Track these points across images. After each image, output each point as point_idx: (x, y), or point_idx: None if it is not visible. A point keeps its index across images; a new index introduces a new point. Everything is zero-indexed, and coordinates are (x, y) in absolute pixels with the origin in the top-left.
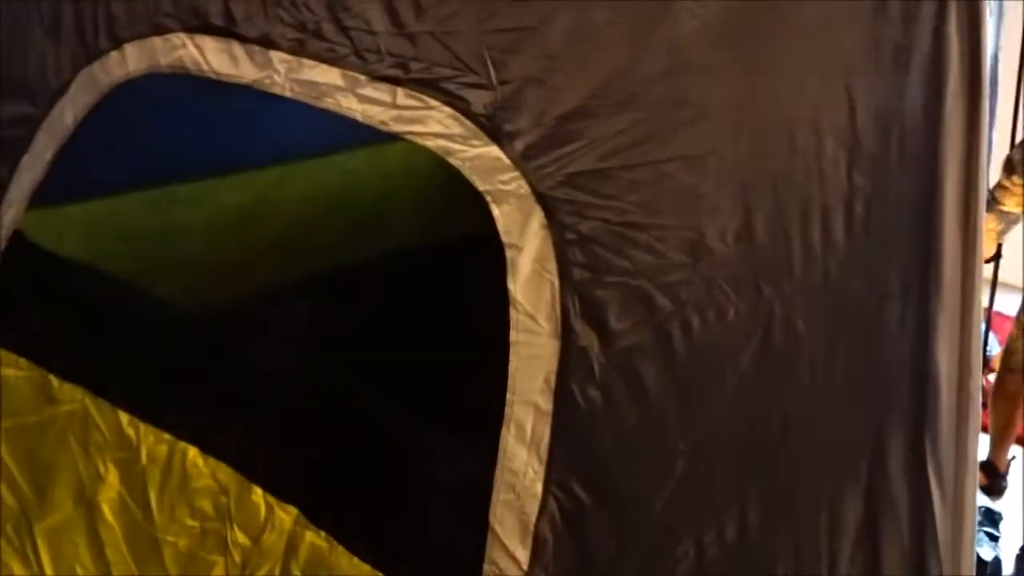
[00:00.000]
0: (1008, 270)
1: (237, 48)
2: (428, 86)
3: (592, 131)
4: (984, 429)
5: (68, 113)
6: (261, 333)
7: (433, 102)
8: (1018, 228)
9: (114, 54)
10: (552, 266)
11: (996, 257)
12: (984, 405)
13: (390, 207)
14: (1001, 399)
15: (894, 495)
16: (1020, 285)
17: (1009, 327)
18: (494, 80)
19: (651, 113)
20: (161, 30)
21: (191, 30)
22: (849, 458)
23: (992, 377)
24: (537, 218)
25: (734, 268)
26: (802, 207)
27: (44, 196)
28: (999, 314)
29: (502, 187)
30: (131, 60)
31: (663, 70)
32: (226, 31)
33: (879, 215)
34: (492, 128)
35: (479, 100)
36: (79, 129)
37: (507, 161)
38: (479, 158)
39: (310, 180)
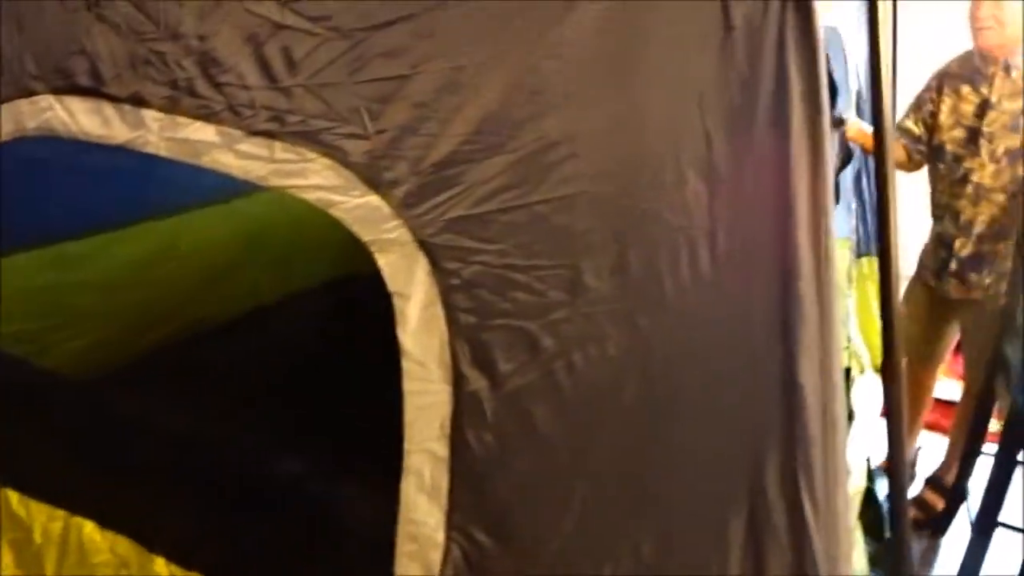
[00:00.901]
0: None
1: (107, 108)
2: (305, 138)
3: (468, 176)
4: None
5: None
6: (159, 392)
7: (311, 154)
8: (912, 219)
9: None
10: (439, 312)
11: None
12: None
13: (296, 250)
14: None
15: (774, 520)
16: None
17: None
18: (370, 130)
19: (523, 156)
20: (27, 92)
21: (58, 91)
22: (732, 483)
23: None
24: (422, 265)
25: (611, 304)
26: (670, 240)
27: None
28: None
29: (385, 236)
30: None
31: (531, 113)
32: (94, 91)
33: (740, 244)
34: (371, 177)
35: (357, 150)
36: None
37: (388, 210)
38: (360, 208)
39: (212, 228)
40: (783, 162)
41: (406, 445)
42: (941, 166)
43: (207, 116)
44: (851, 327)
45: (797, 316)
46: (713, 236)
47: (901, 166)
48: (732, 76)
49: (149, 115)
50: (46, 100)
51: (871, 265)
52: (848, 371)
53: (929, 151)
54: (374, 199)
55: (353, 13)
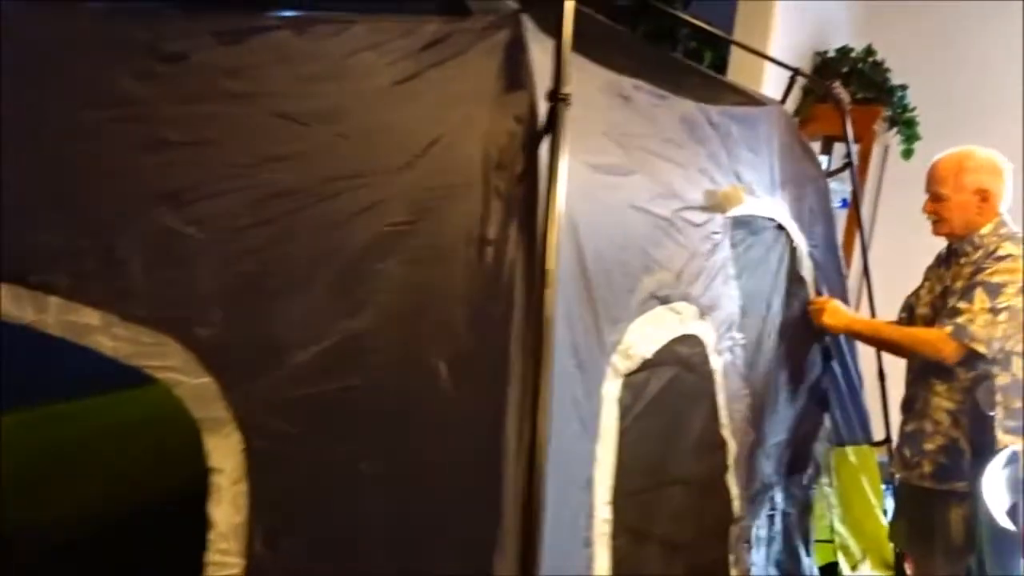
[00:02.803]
0: None
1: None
2: (164, 324)
3: (288, 363)
4: None
5: None
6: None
7: (167, 338)
8: None
9: None
10: (245, 488)
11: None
12: None
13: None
14: None
15: None
16: None
17: None
18: (216, 318)
19: (332, 344)
20: None
21: None
22: None
23: None
24: (235, 442)
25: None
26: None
27: None
28: None
29: (213, 415)
30: None
31: (346, 311)
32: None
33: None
34: (211, 362)
35: (202, 335)
36: None
37: (216, 390)
38: (198, 388)
39: (104, 415)
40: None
41: None
42: None
43: (96, 303)
44: (834, 519)
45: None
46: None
47: None
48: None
49: (53, 300)
50: None
51: (860, 455)
52: (835, 565)
53: (909, 323)
54: (209, 381)
55: (224, 219)
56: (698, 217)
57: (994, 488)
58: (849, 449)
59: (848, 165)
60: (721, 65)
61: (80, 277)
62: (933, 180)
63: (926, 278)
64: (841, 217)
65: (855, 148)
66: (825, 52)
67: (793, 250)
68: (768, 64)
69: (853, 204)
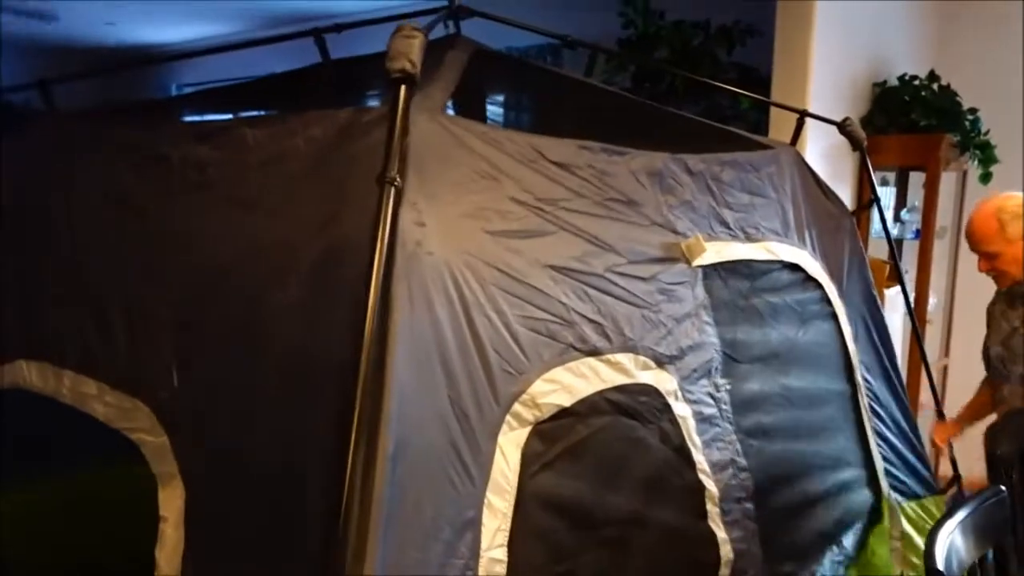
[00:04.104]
0: None
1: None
2: (135, 388)
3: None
4: None
5: None
6: None
7: (139, 402)
8: None
9: None
10: (181, 534)
11: None
12: None
13: None
14: None
15: None
16: None
17: None
18: (175, 382)
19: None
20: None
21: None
22: None
23: None
24: (179, 494)
25: None
26: None
27: None
28: None
29: (167, 469)
30: None
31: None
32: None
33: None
34: (168, 422)
35: (163, 398)
36: None
37: (169, 448)
38: (156, 446)
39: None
40: None
41: None
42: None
43: (93, 373)
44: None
45: None
46: None
47: None
48: None
49: (66, 374)
50: (20, 363)
51: (923, 509)
52: None
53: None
54: (164, 440)
55: (178, 292)
56: (644, 271)
57: None
58: (911, 504)
59: (874, 202)
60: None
61: (85, 352)
62: (979, 241)
63: (991, 316)
64: (912, 249)
65: (919, 177)
66: (884, 82)
67: (819, 290)
68: (812, 96)
69: (887, 239)
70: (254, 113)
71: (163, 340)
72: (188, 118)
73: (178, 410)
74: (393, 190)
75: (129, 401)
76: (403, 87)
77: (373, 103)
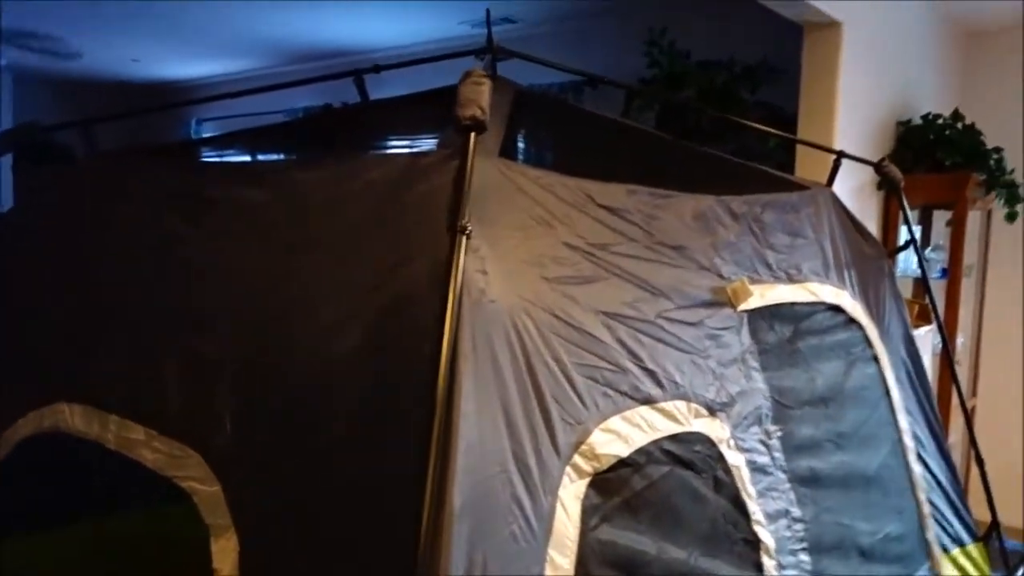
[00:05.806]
0: None
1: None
2: (186, 435)
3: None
4: None
5: None
6: None
7: (190, 451)
8: None
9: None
10: None
11: None
12: None
13: None
14: None
15: None
16: None
17: None
18: (228, 430)
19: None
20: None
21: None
22: None
23: None
24: (233, 546)
25: None
26: None
27: None
28: None
29: (220, 521)
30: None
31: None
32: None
33: None
34: (222, 471)
35: (217, 445)
36: None
37: (223, 499)
38: (211, 496)
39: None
40: None
41: None
42: None
43: (136, 418)
44: None
45: None
46: None
47: None
48: None
49: (111, 418)
50: (60, 406)
51: (967, 556)
52: None
53: None
54: (218, 489)
55: (230, 339)
56: (693, 315)
57: None
58: (956, 551)
59: (911, 243)
60: (790, 144)
61: (131, 397)
62: None
63: None
64: (937, 288)
65: (943, 216)
66: (909, 121)
67: (860, 331)
68: (839, 134)
69: (923, 278)
70: (278, 156)
71: (216, 386)
72: (229, 158)
73: (233, 459)
74: (465, 239)
75: (179, 448)
76: (472, 134)
77: (400, 143)
